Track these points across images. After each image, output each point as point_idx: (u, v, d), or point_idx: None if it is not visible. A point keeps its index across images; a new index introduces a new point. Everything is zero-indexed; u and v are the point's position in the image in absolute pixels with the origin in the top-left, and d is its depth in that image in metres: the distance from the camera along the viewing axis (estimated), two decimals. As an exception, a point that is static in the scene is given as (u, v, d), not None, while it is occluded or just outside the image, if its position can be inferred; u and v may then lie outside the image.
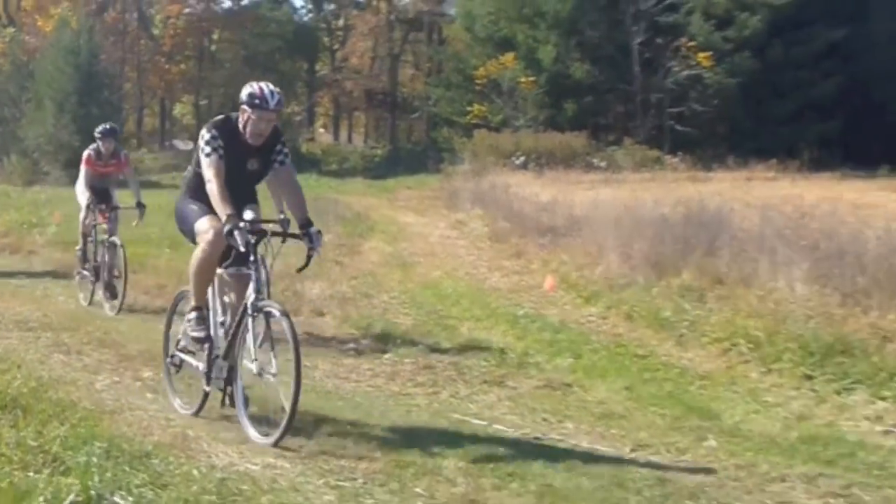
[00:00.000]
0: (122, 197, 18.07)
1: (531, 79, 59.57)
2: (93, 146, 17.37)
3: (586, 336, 14.96)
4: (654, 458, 8.84)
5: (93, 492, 6.67)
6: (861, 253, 14.95)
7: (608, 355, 13.60)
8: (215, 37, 76.74)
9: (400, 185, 48.82)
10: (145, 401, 10.20)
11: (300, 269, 9.32)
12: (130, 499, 6.75)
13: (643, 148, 56.45)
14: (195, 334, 9.38)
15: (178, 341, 9.88)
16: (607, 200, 25.51)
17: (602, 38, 62.58)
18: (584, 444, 9.25)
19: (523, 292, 18.88)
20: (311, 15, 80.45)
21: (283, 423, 8.32)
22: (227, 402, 9.27)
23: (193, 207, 9.43)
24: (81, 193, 17.40)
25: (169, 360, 10.09)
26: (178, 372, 10.00)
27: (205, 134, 9.16)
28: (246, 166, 9.38)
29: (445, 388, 11.83)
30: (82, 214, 17.46)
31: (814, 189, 33.78)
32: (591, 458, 8.67)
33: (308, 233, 8.99)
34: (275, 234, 9.16)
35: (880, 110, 60.02)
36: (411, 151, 68.76)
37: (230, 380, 9.15)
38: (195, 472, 7.45)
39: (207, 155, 9.00)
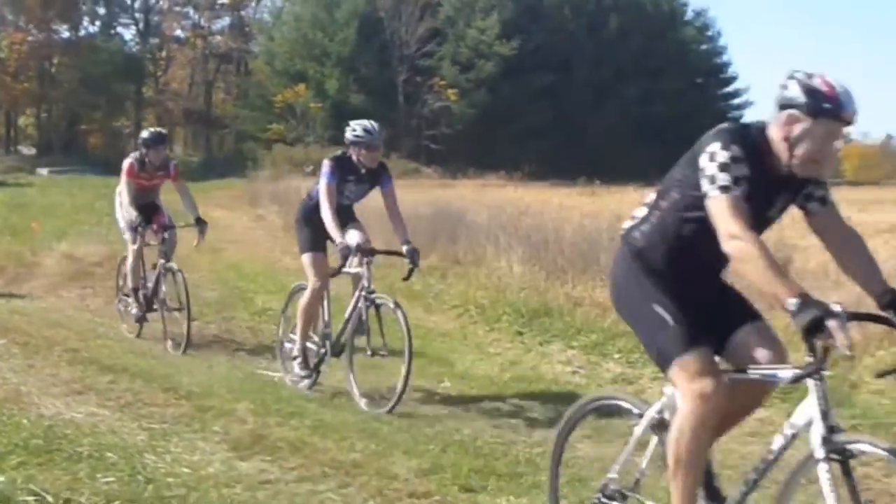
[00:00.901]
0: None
1: (319, 105, 60.68)
2: (134, 155, 11.79)
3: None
4: (404, 396, 8.74)
5: (-67, 442, 6.24)
6: (561, 241, 15.23)
7: (371, 317, 13.49)
8: (55, 61, 74.18)
9: (213, 187, 47.87)
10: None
11: None
12: (-33, 446, 6.34)
13: (405, 161, 57.39)
14: None
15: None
16: (376, 201, 25.38)
17: (374, 75, 63.80)
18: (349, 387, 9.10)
19: (307, 271, 18.70)
20: (138, 46, 79.29)
21: None
22: None
23: (660, 306, 4.33)
24: (125, 214, 11.81)
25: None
26: None
27: (717, 151, 4.05)
28: (767, 210, 4.31)
29: (242, 347, 11.57)
30: (129, 240, 11.77)
31: (530, 194, 34.42)
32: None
33: None
34: (861, 317, 4.20)
35: (580, 136, 62.55)
36: (222, 160, 67.84)
37: None
38: (25, 421, 7.00)
39: (724, 189, 3.97)
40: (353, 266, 9.12)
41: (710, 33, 79.33)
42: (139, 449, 6.44)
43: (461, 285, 14.61)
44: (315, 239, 9.31)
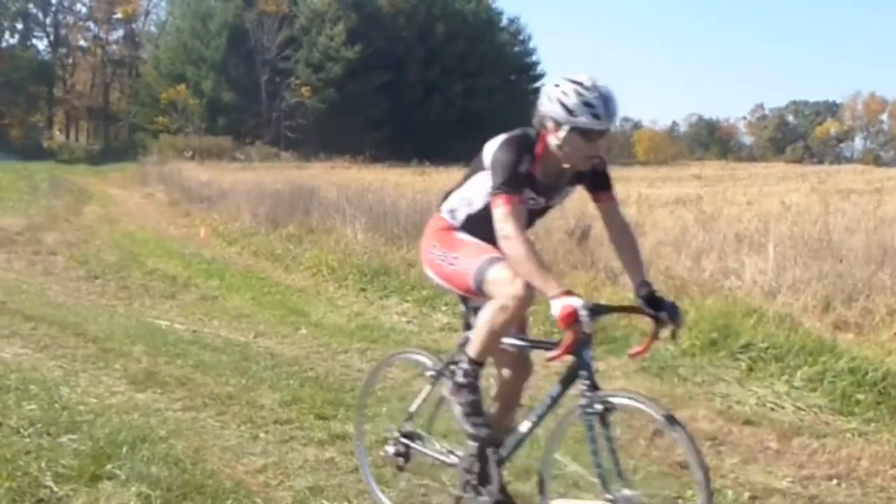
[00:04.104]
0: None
1: (197, 101, 60.08)
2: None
3: (228, 266, 14.73)
4: (268, 342, 8.83)
5: None
6: (397, 213, 15.24)
7: (241, 278, 13.41)
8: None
9: (110, 170, 46.91)
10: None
11: None
12: None
13: (267, 147, 57.58)
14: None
15: None
16: (244, 180, 25.35)
17: (242, 76, 63.42)
18: (224, 333, 9.14)
19: (189, 239, 18.45)
20: (49, 55, 77.72)
21: None
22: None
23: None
24: None
25: None
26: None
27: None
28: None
29: (137, 300, 11.47)
30: None
31: (371, 174, 34.58)
32: (228, 342, 8.61)
33: None
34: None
35: (412, 125, 62.68)
36: (118, 147, 66.43)
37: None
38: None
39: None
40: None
41: (521, 37, 79.52)
42: (56, 382, 6.42)
43: (315, 249, 14.62)
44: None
